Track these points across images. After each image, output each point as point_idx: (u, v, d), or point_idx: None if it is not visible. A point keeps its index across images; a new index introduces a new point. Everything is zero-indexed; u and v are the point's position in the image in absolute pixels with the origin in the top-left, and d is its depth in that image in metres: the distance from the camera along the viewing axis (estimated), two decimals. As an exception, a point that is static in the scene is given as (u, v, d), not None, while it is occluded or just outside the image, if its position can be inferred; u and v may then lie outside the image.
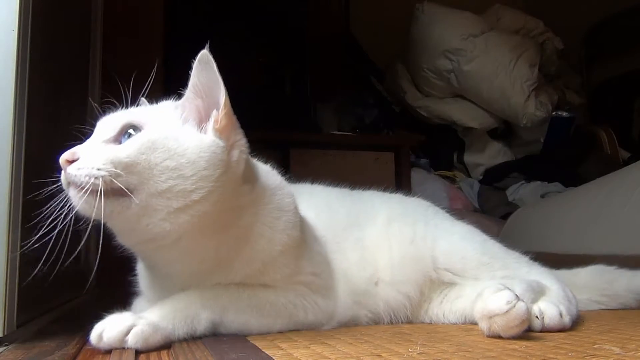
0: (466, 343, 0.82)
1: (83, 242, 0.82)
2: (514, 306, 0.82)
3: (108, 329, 0.77)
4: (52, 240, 0.78)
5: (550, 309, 0.92)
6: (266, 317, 0.93)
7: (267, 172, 1.00)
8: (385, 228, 1.14)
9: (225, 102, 0.86)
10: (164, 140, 0.82)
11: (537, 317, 0.90)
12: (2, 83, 0.86)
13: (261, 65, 3.20)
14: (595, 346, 0.77)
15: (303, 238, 0.99)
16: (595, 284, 1.25)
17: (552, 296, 0.99)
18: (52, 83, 1.14)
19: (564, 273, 1.25)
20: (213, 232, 0.87)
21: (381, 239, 1.12)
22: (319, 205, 1.15)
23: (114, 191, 0.79)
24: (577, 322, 0.97)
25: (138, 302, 1.04)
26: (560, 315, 0.92)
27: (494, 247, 1.14)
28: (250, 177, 0.92)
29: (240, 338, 0.87)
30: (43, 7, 0.99)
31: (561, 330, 0.91)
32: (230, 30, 2.92)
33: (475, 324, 0.90)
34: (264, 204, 0.93)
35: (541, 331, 0.89)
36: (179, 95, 0.90)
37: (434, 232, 1.11)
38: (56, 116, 1.21)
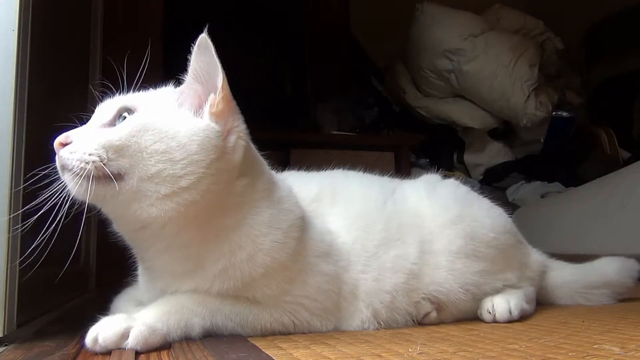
0: (466, 343, 0.82)
1: (98, 242, 0.82)
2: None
3: (103, 331, 0.77)
4: (51, 232, 0.78)
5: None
6: (252, 329, 0.90)
7: (272, 181, 0.93)
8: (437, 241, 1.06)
9: (223, 86, 0.84)
10: (155, 123, 0.81)
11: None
12: (2, 83, 0.86)
13: (261, 65, 3.20)
14: (595, 346, 0.77)
15: (300, 258, 0.90)
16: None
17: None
18: (52, 82, 1.14)
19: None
20: (197, 226, 0.84)
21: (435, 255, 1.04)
22: (354, 202, 1.06)
23: (105, 176, 0.79)
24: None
25: (121, 300, 1.04)
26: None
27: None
28: (248, 171, 0.88)
29: (240, 338, 0.87)
30: (43, 7, 0.99)
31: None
32: (230, 30, 2.92)
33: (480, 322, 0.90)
34: (254, 213, 0.87)
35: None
36: (179, 81, 0.89)
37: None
38: (56, 114, 1.20)
